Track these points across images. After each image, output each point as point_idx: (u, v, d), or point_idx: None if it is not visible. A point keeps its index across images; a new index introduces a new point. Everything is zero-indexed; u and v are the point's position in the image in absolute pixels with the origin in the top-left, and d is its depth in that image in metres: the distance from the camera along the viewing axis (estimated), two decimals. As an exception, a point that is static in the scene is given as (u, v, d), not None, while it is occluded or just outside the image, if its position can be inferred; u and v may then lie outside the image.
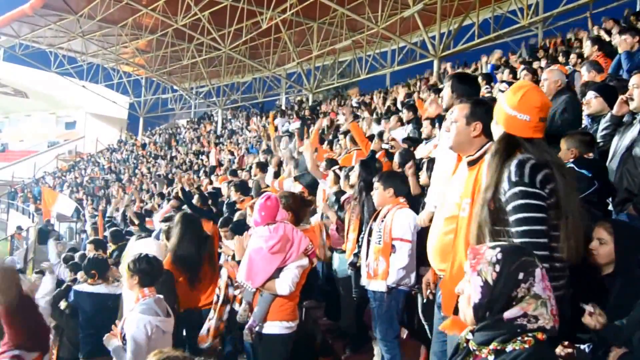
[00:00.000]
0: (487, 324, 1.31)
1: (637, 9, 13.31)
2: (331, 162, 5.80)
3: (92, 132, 30.95)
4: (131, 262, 3.05)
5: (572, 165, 2.77)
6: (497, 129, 1.93)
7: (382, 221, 3.43)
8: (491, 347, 1.30)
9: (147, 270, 3.02)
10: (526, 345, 1.26)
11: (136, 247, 3.86)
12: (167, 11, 18.74)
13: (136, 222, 7.53)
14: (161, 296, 3.05)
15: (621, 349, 1.83)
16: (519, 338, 1.27)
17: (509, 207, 1.75)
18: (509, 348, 1.27)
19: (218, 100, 25.74)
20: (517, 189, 1.74)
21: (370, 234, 3.55)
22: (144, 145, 25.21)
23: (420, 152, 5.16)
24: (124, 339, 2.87)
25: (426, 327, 3.46)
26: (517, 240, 1.71)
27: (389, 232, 3.37)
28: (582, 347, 1.99)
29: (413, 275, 3.37)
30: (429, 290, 2.66)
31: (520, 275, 1.28)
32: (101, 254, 5.09)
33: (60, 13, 20.46)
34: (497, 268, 1.29)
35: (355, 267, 3.94)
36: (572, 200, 1.79)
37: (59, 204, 13.45)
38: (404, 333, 3.72)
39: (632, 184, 2.73)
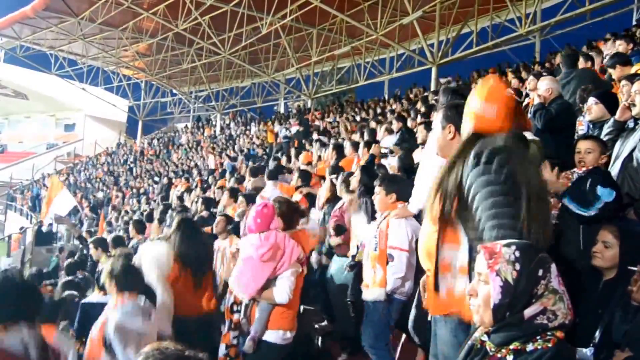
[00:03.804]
0: (506, 324, 1.29)
1: (633, 22, 13.44)
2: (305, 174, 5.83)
3: (91, 134, 30.85)
4: (110, 266, 2.98)
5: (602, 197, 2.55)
6: None
7: (378, 227, 3.32)
8: (511, 347, 1.28)
9: (124, 275, 2.93)
10: (549, 345, 1.24)
11: (148, 249, 3.77)
12: (167, 15, 18.76)
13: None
14: (142, 301, 2.94)
15: (624, 353, 1.82)
16: (540, 337, 1.25)
17: None
18: (529, 347, 1.25)
19: (217, 104, 25.76)
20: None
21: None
22: (142, 149, 25.15)
23: (418, 157, 5.16)
24: (108, 347, 2.72)
25: (415, 339, 3.32)
26: None
27: (385, 239, 3.26)
28: (584, 350, 1.98)
29: (408, 284, 3.25)
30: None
31: (540, 272, 1.27)
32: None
33: (62, 15, 20.45)
34: (517, 267, 1.28)
35: (352, 269, 3.87)
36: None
37: (60, 198, 12.85)
38: (402, 337, 3.69)
39: (633, 189, 2.73)
